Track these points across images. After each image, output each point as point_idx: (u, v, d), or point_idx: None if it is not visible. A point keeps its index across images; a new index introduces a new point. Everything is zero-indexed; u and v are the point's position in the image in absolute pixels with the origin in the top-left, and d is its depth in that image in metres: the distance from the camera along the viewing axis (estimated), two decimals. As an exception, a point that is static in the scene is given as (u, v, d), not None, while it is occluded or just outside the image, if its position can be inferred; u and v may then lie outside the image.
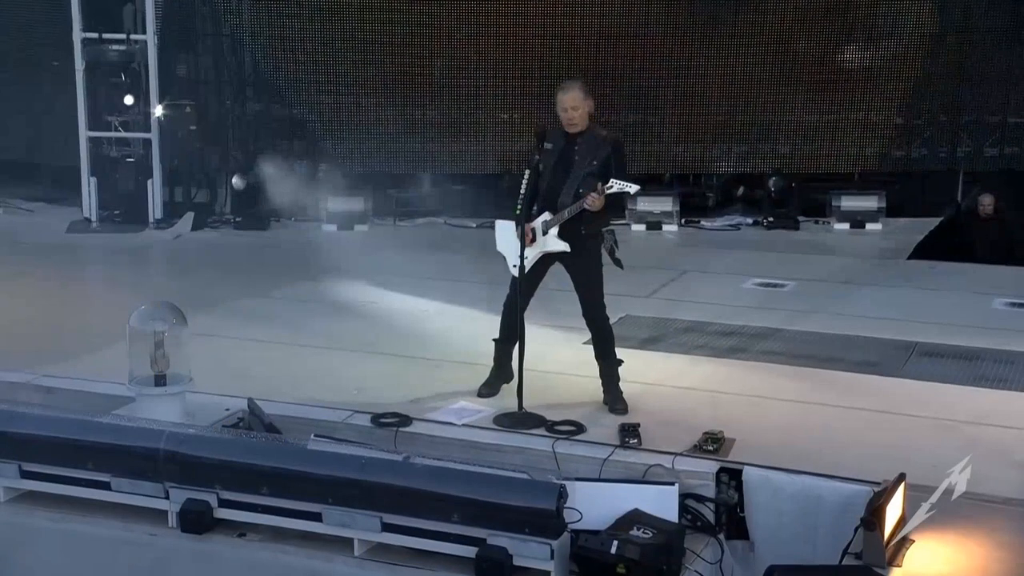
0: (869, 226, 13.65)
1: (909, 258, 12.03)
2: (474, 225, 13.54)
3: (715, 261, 11.70)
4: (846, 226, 13.65)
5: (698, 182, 14.72)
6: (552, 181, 6.81)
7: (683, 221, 13.61)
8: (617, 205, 6.98)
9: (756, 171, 14.20)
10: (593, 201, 6.61)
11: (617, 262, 6.98)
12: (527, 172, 6.74)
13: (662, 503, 5.59)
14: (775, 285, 10.48)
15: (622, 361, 6.96)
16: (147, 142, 13.90)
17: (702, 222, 13.68)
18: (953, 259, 12.09)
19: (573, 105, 6.77)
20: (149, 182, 13.71)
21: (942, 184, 14.69)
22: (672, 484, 5.70)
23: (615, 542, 5.19)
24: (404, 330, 8.66)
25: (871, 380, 7.61)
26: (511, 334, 7.05)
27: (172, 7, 13.91)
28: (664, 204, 13.54)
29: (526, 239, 6.83)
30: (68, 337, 8.48)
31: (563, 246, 6.79)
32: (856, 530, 5.30)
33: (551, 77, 13.60)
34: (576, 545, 5.28)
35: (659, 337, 8.58)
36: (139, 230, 13.43)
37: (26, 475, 6.22)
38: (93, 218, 13.80)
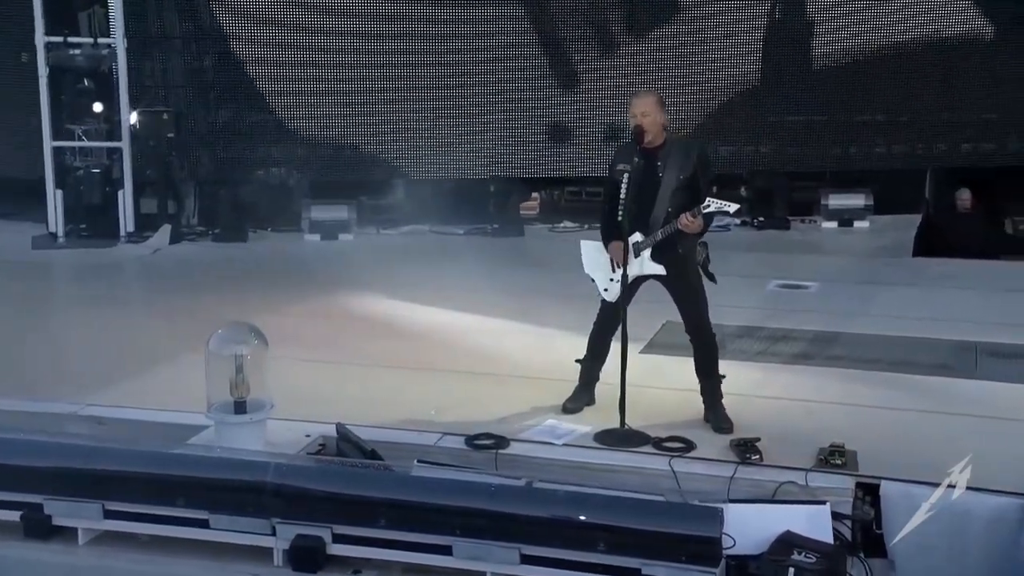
0: (857, 224, 13.68)
1: (914, 255, 12.00)
2: (461, 232, 13.25)
3: (722, 263, 11.37)
4: (834, 224, 13.62)
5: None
6: (639, 199, 6.46)
7: (670, 224, 13.41)
8: (709, 220, 6.67)
9: (742, 171, 14.10)
10: (689, 224, 6.31)
11: (710, 276, 6.73)
12: (623, 183, 6.38)
13: (815, 523, 5.31)
14: (798, 287, 10.34)
15: (724, 376, 6.68)
16: (112, 151, 13.27)
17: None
18: (955, 255, 12.14)
19: (643, 111, 6.45)
20: (120, 194, 13.10)
21: (912, 182, 14.76)
22: (824, 503, 5.43)
23: (791, 569, 4.91)
24: (453, 346, 8.30)
25: (956, 384, 7.46)
26: (600, 352, 6.79)
27: (139, 8, 13.28)
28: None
29: (619, 261, 6.53)
30: (99, 363, 7.96)
31: (658, 269, 6.50)
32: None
33: (527, 81, 13.53)
34: (747, 573, 4.99)
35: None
36: (110, 245, 12.84)
37: (110, 515, 5.72)
38: (59, 233, 13.10)
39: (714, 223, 6.84)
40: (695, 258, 6.66)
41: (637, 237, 6.53)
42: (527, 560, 5.21)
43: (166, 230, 12.86)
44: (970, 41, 13.90)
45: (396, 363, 7.88)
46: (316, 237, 12.96)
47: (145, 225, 13.22)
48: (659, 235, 6.43)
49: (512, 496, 5.32)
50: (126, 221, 13.09)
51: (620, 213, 6.36)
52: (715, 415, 6.56)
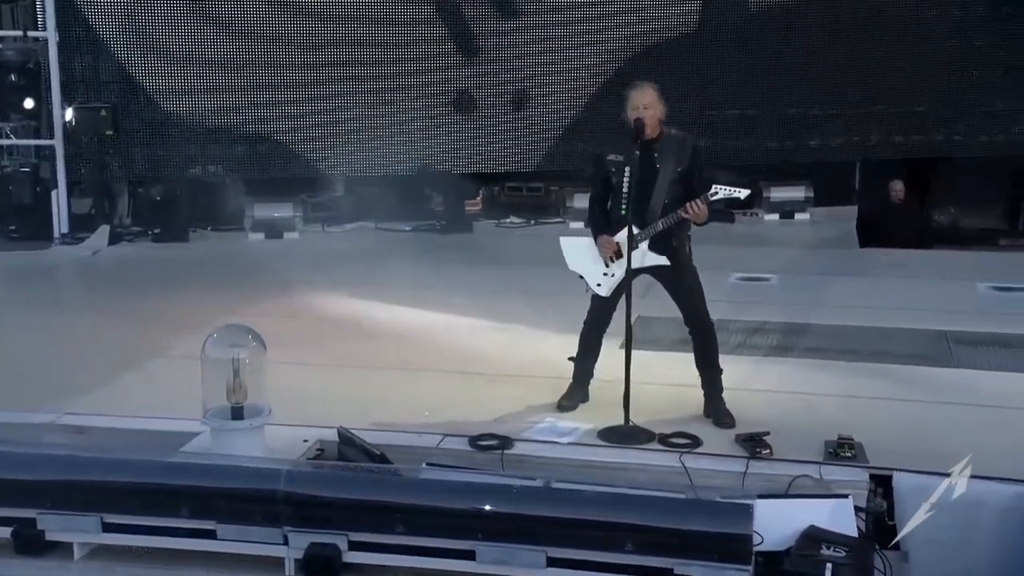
0: (798, 216, 13.80)
1: (862, 246, 12.16)
2: (408, 229, 13.08)
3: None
4: (776, 217, 13.74)
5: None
6: (637, 192, 6.38)
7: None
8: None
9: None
10: (698, 212, 6.26)
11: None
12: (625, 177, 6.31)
13: (838, 517, 5.31)
14: (759, 279, 10.39)
15: (722, 370, 6.65)
16: (40, 149, 12.84)
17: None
18: (893, 246, 12.35)
19: (646, 104, 6.38)
20: (53, 193, 12.66)
21: (843, 173, 14.96)
22: (846, 496, 5.42)
23: (829, 565, 4.88)
24: (433, 345, 8.16)
25: (939, 372, 7.56)
26: (593, 350, 6.74)
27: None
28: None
29: (613, 254, 6.46)
30: (64, 370, 7.63)
31: (661, 260, 6.43)
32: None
33: (468, 76, 13.38)
34: (782, 571, 4.95)
35: (688, 339, 8.27)
36: (44, 247, 12.40)
37: (109, 528, 5.49)
38: (-12, 236, 12.64)
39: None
40: (688, 249, 6.61)
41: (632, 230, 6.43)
42: (553, 563, 5.12)
43: (104, 231, 12.47)
44: (901, 32, 14.10)
45: (379, 364, 7.73)
46: (260, 236, 12.69)
47: (79, 226, 12.78)
48: (660, 226, 6.36)
49: (536, 497, 5.21)
50: (60, 222, 12.64)
51: (623, 206, 6.29)
52: (716, 410, 6.53)
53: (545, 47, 13.23)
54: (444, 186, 13.44)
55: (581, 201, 13.08)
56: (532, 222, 13.50)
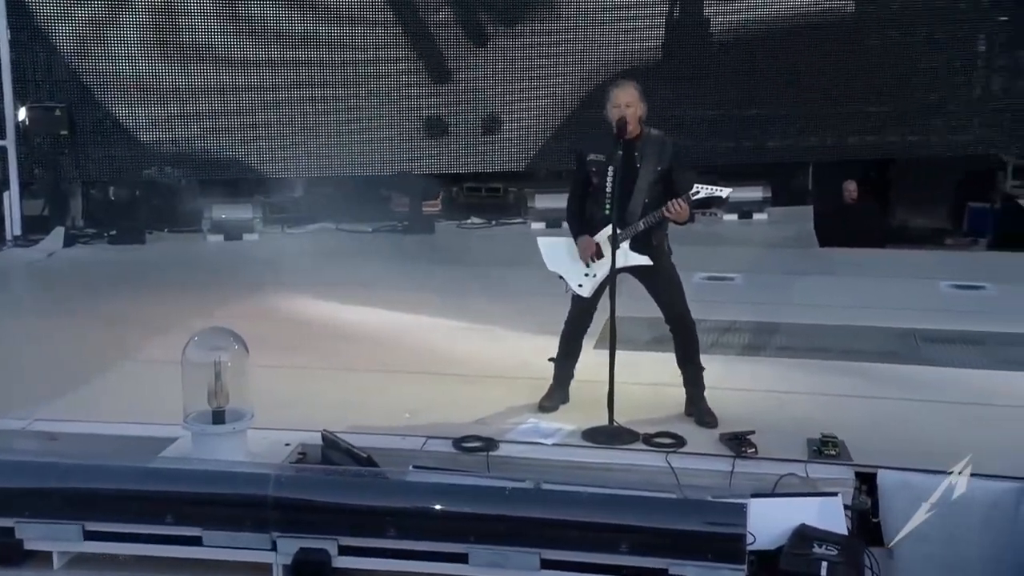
0: (756, 216, 13.87)
1: (821, 246, 12.27)
2: (370, 230, 12.99)
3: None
4: (735, 217, 13.80)
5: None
6: (618, 192, 6.37)
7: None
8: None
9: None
10: (680, 211, 6.26)
11: None
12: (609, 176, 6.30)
13: (828, 515, 5.33)
14: (724, 279, 10.42)
15: (704, 367, 6.66)
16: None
17: (596, 218, 13.50)
18: (848, 245, 12.48)
19: (628, 102, 6.38)
20: (6, 195, 12.40)
21: (798, 174, 15.10)
22: (835, 494, 5.45)
23: (824, 564, 4.90)
24: (408, 346, 8.10)
25: (910, 370, 7.63)
26: (574, 350, 6.73)
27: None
28: (563, 201, 13.26)
29: (593, 254, 6.45)
30: (30, 375, 7.51)
31: (643, 260, 6.42)
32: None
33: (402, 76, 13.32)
34: (778, 570, 4.96)
35: (661, 338, 8.29)
36: (-5, 249, 12.15)
37: (90, 536, 5.38)
38: (-65, 238, 12.37)
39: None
40: (666, 248, 6.62)
41: (610, 230, 6.41)
42: (547, 565, 5.10)
43: (59, 233, 12.22)
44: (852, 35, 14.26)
45: (355, 366, 7.67)
46: (219, 238, 12.49)
47: (31, 228, 12.54)
48: (641, 225, 6.35)
49: (529, 499, 5.18)
50: (13, 224, 12.39)
51: (607, 206, 6.28)
52: (698, 409, 6.54)
53: (514, 74, 13.24)
54: (404, 187, 13.35)
55: (543, 202, 13.14)
56: (493, 222, 13.45)
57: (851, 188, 14.90)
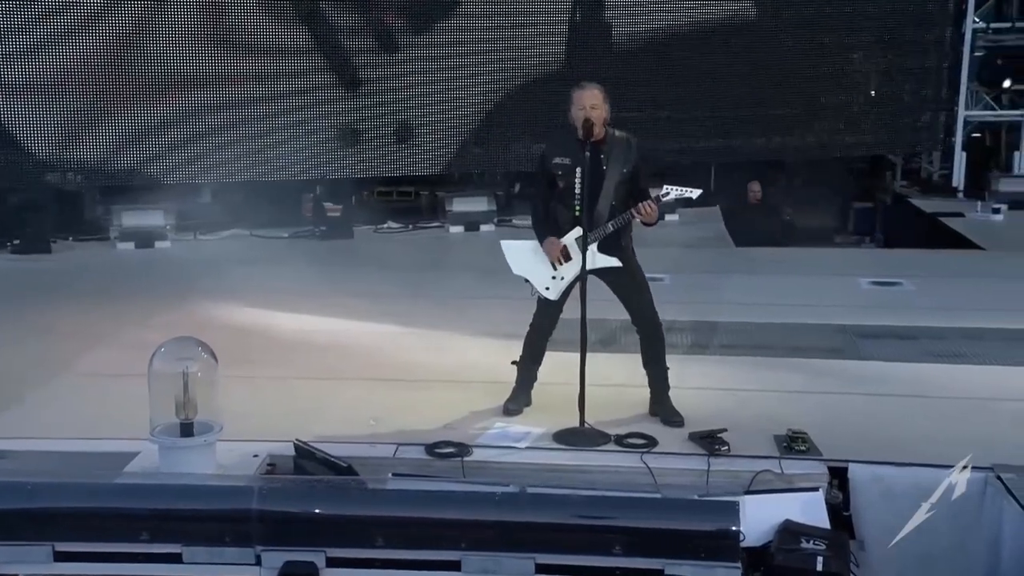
0: (668, 217, 13.97)
1: (738, 245, 12.47)
2: (286, 236, 12.80)
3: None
4: (648, 218, 13.90)
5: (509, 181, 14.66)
6: (586, 194, 6.36)
7: (496, 221, 13.42)
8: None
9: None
10: (649, 212, 6.29)
11: None
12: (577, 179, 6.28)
13: (810, 510, 5.41)
14: (653, 279, 10.42)
15: (669, 367, 6.69)
16: None
17: (514, 220, 13.49)
18: (767, 244, 12.75)
19: (593, 104, 6.35)
20: (-97, 204, 11.90)
21: (700, 175, 15.32)
22: (816, 489, 5.53)
23: (820, 558, 4.96)
24: (355, 353, 7.99)
25: (857, 365, 7.80)
26: (538, 354, 6.70)
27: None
28: (480, 204, 13.33)
29: (560, 257, 6.43)
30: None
31: (612, 261, 6.41)
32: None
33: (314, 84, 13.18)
34: (773, 564, 5.01)
35: (608, 339, 8.33)
36: None
37: (61, 557, 5.15)
38: None
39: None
40: (631, 250, 6.64)
41: (577, 232, 6.40)
42: (542, 569, 5.02)
43: (-38, 243, 11.77)
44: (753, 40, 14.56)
45: (304, 374, 7.52)
46: (130, 245, 12.18)
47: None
48: (610, 227, 6.35)
49: (520, 504, 5.12)
50: (-89, 234, 11.90)
51: (577, 208, 6.27)
52: (663, 408, 6.57)
53: (426, 81, 13.25)
54: (317, 192, 13.20)
55: (460, 205, 13.12)
56: (411, 226, 13.37)
57: (755, 189, 15.28)
